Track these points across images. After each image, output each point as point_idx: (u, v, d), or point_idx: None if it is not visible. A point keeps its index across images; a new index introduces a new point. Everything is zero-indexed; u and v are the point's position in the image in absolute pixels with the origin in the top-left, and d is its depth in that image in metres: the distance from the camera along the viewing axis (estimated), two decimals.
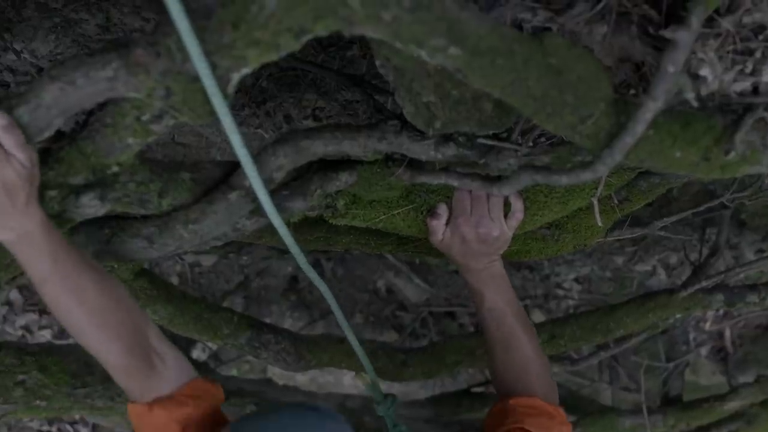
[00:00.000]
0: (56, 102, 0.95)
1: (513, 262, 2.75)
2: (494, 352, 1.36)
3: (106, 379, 2.04)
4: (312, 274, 1.28)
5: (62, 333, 2.58)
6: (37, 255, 1.04)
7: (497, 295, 1.36)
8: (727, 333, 2.80)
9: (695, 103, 0.99)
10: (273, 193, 1.26)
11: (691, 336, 2.79)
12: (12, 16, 1.25)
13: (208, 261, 2.73)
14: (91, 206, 1.11)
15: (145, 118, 0.97)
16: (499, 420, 1.27)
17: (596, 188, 1.30)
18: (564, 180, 1.00)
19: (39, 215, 1.02)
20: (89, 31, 1.32)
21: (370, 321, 3.08)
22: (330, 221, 1.36)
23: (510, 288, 1.39)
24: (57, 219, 1.10)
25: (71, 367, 1.97)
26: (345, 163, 1.26)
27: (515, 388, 1.31)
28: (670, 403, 2.52)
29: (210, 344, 2.70)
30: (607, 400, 3.07)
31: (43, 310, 2.59)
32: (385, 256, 2.90)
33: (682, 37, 0.83)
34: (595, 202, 1.30)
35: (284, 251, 2.20)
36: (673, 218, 1.80)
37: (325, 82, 1.37)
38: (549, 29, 1.00)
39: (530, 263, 2.92)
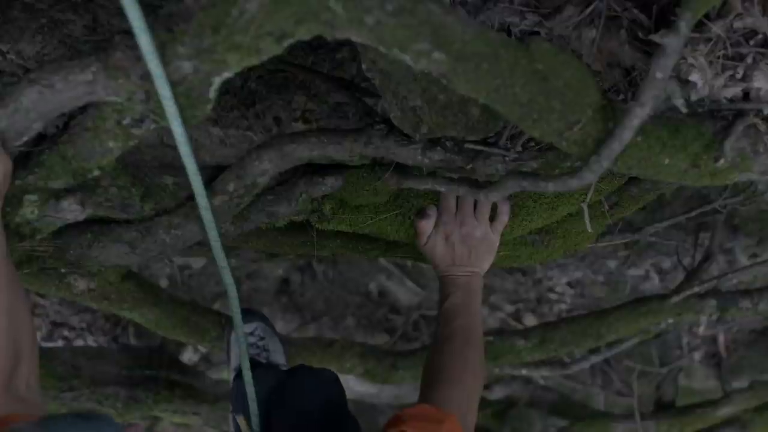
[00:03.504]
0: (35, 106, 0.93)
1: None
2: (432, 348, 1.31)
3: (93, 382, 2.03)
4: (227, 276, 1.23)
5: (50, 335, 2.57)
6: None
7: (460, 300, 1.32)
8: (721, 338, 2.78)
9: (684, 109, 0.97)
10: (258, 197, 1.24)
11: (685, 340, 2.78)
12: None
13: (197, 263, 2.72)
14: (71, 210, 1.09)
15: (125, 122, 0.95)
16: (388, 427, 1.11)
17: (586, 194, 1.29)
18: (551, 187, 0.98)
19: None
20: (76, 32, 1.31)
21: (361, 324, 3.06)
22: (316, 226, 1.35)
23: (477, 304, 1.34)
24: (37, 223, 1.08)
25: (58, 370, 1.95)
26: (332, 168, 1.25)
27: (431, 386, 1.23)
28: (663, 408, 2.51)
29: (200, 347, 2.69)
30: (600, 404, 3.07)
31: (32, 312, 2.56)
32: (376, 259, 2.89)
33: (671, 42, 0.81)
34: (585, 208, 1.29)
35: (273, 254, 2.18)
36: (666, 223, 1.79)
37: (315, 84, 1.36)
38: (537, 33, 0.98)
39: (522, 267, 2.90)
